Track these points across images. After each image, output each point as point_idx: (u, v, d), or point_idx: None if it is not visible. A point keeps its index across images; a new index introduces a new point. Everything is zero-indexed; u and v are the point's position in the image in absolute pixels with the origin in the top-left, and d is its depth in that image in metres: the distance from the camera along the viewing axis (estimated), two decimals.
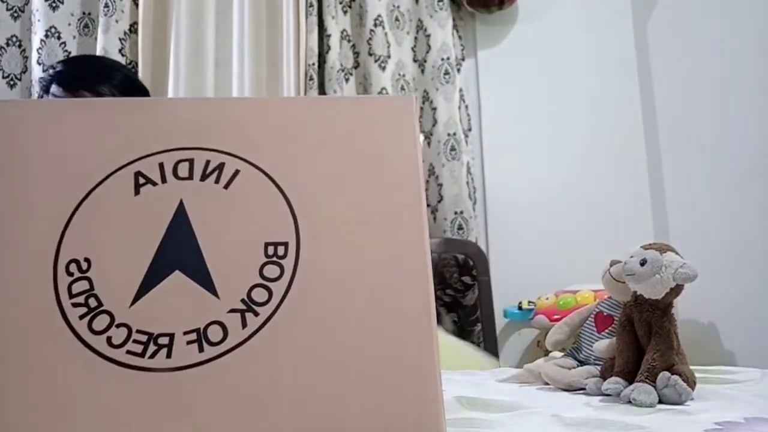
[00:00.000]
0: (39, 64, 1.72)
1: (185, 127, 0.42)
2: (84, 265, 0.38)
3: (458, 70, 1.81)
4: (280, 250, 0.39)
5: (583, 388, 0.74)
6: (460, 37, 1.88)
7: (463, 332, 1.63)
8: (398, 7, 1.84)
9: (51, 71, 1.22)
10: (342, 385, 0.36)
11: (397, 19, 1.84)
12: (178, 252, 0.38)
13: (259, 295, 0.38)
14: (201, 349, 0.36)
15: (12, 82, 1.78)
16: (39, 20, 1.74)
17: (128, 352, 0.36)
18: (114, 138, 0.42)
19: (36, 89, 1.71)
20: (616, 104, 1.86)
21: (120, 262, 0.38)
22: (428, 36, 1.81)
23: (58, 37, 1.75)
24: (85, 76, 1.17)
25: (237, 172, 0.41)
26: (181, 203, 0.40)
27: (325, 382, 0.36)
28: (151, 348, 0.36)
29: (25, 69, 1.79)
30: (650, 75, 1.81)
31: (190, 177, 0.40)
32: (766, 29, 1.31)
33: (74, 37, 1.78)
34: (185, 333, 0.36)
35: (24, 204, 0.39)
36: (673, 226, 1.71)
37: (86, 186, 0.40)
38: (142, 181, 0.40)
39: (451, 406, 0.62)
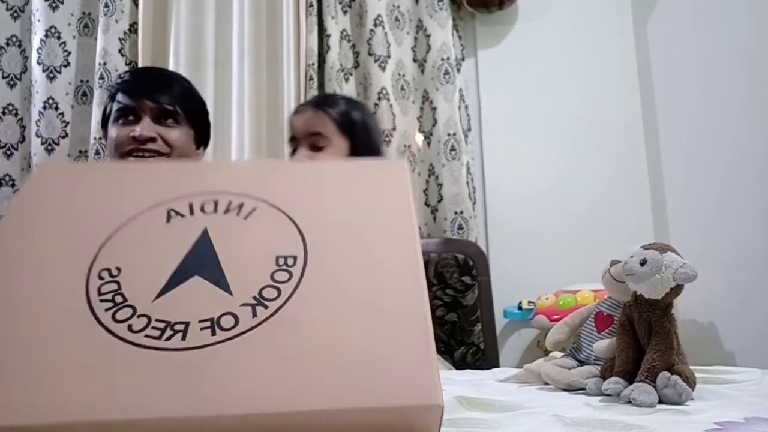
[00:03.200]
0: (39, 64, 1.72)
1: (212, 180, 0.51)
2: (114, 272, 0.43)
3: (458, 70, 1.81)
4: (290, 261, 0.44)
5: (583, 388, 0.74)
6: (460, 37, 1.88)
7: (463, 332, 1.63)
8: (398, 7, 1.84)
9: (118, 80, 1.31)
10: (340, 368, 0.39)
11: (397, 19, 1.84)
12: (199, 262, 0.44)
13: (270, 293, 0.42)
14: (213, 333, 0.40)
15: (12, 82, 1.78)
16: (39, 20, 1.74)
17: (146, 336, 0.40)
18: (150, 187, 0.50)
19: (35, 89, 1.72)
20: (616, 104, 1.86)
21: (146, 270, 0.44)
22: (428, 36, 1.81)
23: (58, 37, 1.76)
24: (148, 86, 1.25)
25: (255, 208, 0.49)
26: (205, 229, 0.47)
27: (325, 364, 0.39)
28: (168, 333, 0.40)
29: (25, 69, 1.79)
30: (650, 75, 1.81)
31: (215, 212, 0.48)
32: (765, 29, 1.31)
33: (74, 37, 1.78)
34: (200, 321, 0.40)
35: (70, 230, 0.47)
36: (673, 226, 1.71)
37: (123, 217, 0.48)
38: (173, 214, 0.48)
39: (451, 406, 0.62)
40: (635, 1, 1.90)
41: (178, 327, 0.40)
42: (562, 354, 0.87)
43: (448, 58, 1.78)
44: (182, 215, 0.47)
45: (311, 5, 1.76)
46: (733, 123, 1.42)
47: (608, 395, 0.69)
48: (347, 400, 0.37)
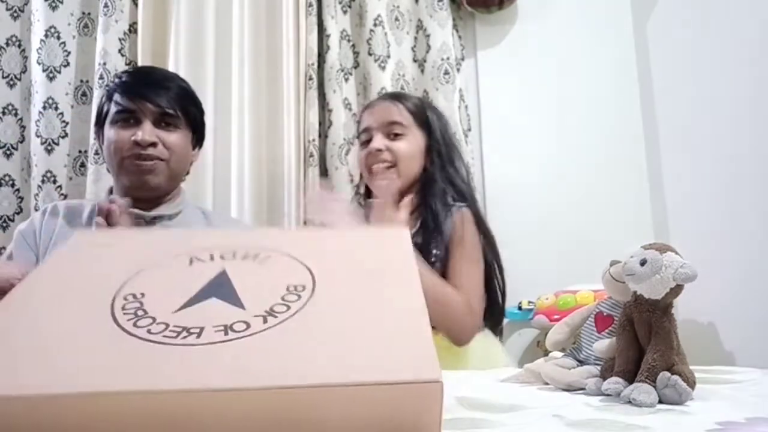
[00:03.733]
0: (39, 64, 1.72)
1: (230, 239, 0.58)
2: (138, 296, 0.48)
3: (458, 70, 1.81)
4: (300, 288, 0.49)
5: (583, 388, 0.74)
6: (460, 37, 1.87)
7: None
8: (398, 7, 1.84)
9: (116, 80, 1.29)
10: (346, 351, 0.43)
11: (396, 19, 1.84)
12: (217, 288, 0.49)
13: (280, 308, 0.46)
14: (226, 334, 0.43)
15: (12, 82, 1.78)
16: (39, 20, 1.74)
17: (164, 336, 0.43)
18: (174, 243, 0.58)
19: (35, 89, 1.72)
20: (615, 104, 1.86)
21: (168, 294, 0.48)
22: (428, 36, 1.81)
23: (58, 37, 1.75)
24: (148, 88, 1.24)
25: (270, 256, 0.54)
26: (224, 269, 0.52)
27: (331, 348, 0.43)
28: (184, 334, 0.43)
29: (25, 69, 1.79)
30: (650, 75, 1.81)
31: (233, 258, 0.54)
32: (766, 29, 1.31)
33: (74, 37, 1.78)
34: (214, 326, 0.44)
35: (101, 270, 0.53)
36: (673, 226, 1.71)
37: (149, 262, 0.53)
38: (195, 260, 0.54)
39: (452, 406, 0.62)
40: (635, 1, 1.89)
41: (193, 330, 0.44)
42: (562, 354, 0.87)
43: (447, 58, 1.78)
44: (203, 261, 0.53)
45: (311, 5, 1.76)
46: (733, 123, 1.42)
47: (608, 395, 0.69)
48: (351, 376, 0.40)
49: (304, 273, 0.51)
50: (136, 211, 1.23)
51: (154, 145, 1.22)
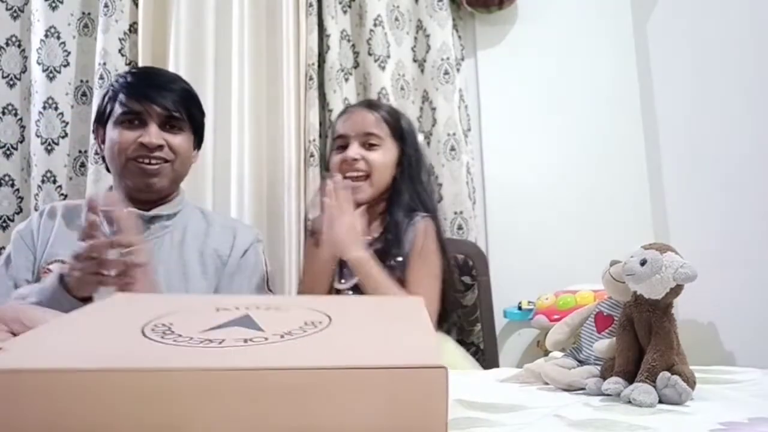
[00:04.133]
0: (39, 64, 1.72)
1: (255, 299, 0.69)
2: (167, 324, 0.55)
3: (458, 70, 1.81)
4: (317, 323, 0.55)
5: (583, 388, 0.74)
6: (459, 37, 1.87)
7: (462, 332, 1.63)
8: (398, 7, 1.83)
9: (120, 80, 1.29)
10: (360, 345, 0.50)
11: (396, 19, 1.84)
12: (240, 321, 0.56)
13: (297, 332, 0.52)
14: (245, 342, 0.49)
15: (12, 82, 1.78)
16: (39, 20, 1.74)
17: (188, 343, 0.49)
18: (204, 300, 0.68)
19: (35, 89, 1.72)
20: (615, 104, 1.86)
21: (194, 324, 0.54)
22: (428, 36, 1.81)
23: (58, 37, 1.75)
24: (154, 89, 1.24)
25: (291, 308, 0.62)
26: (247, 314, 0.58)
27: (341, 348, 0.49)
28: (206, 342, 0.49)
29: (25, 69, 1.79)
30: (650, 75, 1.81)
31: (257, 308, 0.61)
32: (765, 28, 1.31)
33: (74, 37, 1.78)
34: (235, 338, 0.50)
35: (135, 310, 0.62)
36: (673, 226, 1.71)
37: (180, 309, 0.61)
38: (221, 308, 0.61)
39: (452, 407, 0.62)
40: (635, 1, 1.89)
41: (215, 340, 0.50)
42: (562, 354, 0.87)
43: (447, 58, 1.77)
44: (228, 309, 0.60)
45: (311, 5, 1.75)
46: (733, 122, 1.42)
47: (608, 395, 0.69)
48: (361, 361, 0.44)
49: (322, 316, 0.57)
50: (135, 210, 1.23)
51: (160, 147, 1.22)
